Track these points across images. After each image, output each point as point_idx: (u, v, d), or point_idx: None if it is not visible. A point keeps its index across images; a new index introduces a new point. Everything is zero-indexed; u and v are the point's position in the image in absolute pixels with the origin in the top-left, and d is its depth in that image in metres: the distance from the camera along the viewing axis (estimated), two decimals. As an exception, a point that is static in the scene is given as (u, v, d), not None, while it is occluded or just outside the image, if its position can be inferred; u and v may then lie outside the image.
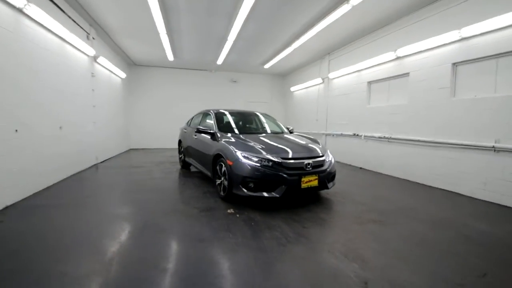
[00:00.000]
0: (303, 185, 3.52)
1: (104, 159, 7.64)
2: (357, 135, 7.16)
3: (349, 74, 7.55)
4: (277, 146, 3.79)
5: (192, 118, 6.56)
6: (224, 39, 7.13)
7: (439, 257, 2.41)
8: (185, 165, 6.49)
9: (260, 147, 3.71)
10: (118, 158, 8.29)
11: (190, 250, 2.46)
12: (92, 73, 6.56)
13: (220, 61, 9.47)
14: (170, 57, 8.98)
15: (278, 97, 12.69)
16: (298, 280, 2.01)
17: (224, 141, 4.12)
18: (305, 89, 10.49)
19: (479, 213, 3.63)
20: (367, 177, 6.04)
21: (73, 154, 5.55)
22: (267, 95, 12.54)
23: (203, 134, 4.86)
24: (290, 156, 3.60)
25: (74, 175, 5.50)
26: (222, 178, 3.94)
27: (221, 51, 8.22)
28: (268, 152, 3.59)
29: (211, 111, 5.33)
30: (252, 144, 3.81)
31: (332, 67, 8.41)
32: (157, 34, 6.63)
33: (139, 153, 9.63)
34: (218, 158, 4.11)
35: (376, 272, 2.13)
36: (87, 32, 6.16)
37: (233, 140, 4.05)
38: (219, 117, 5.12)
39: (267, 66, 10.19)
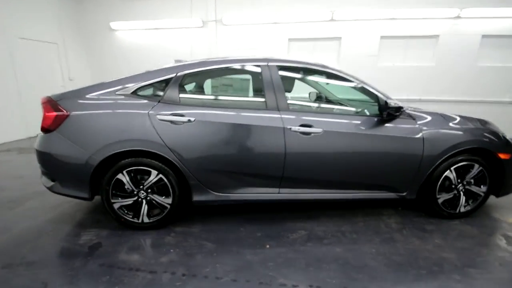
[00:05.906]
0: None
1: None
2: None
3: (261, 25, 6.35)
4: None
5: (178, 81, 2.22)
6: None
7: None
8: (165, 220, 2.27)
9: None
10: None
11: None
12: None
13: None
14: None
15: (78, 37, 6.98)
16: None
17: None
18: (154, 29, 6.86)
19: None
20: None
21: None
22: (52, 28, 6.34)
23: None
24: None
25: None
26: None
27: None
28: None
29: (321, 65, 2.43)
30: None
31: (225, 8, 6.37)
32: None
33: None
34: (448, 158, 2.34)
35: None
36: None
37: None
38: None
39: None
